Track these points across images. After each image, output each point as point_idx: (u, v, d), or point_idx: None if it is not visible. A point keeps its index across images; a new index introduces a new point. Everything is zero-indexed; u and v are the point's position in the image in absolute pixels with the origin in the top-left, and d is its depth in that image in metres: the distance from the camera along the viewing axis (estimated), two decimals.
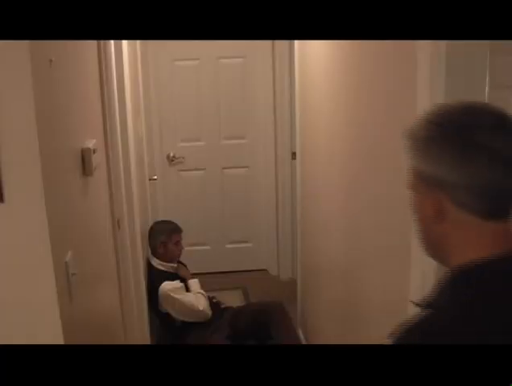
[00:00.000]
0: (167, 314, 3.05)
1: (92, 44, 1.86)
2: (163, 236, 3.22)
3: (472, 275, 0.81)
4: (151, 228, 3.35)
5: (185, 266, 3.33)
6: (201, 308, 3.04)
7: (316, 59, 2.63)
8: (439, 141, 0.81)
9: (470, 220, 0.81)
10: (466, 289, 0.81)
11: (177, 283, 3.08)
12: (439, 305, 0.82)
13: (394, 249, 1.58)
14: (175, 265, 3.24)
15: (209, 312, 3.08)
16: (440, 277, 0.85)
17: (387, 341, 0.83)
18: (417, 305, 0.84)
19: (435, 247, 0.89)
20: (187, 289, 3.13)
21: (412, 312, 0.86)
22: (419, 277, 1.34)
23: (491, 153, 0.78)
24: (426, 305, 0.83)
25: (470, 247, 0.83)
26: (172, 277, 3.13)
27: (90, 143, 1.61)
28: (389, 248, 1.64)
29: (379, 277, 1.77)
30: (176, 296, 3.01)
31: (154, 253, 3.24)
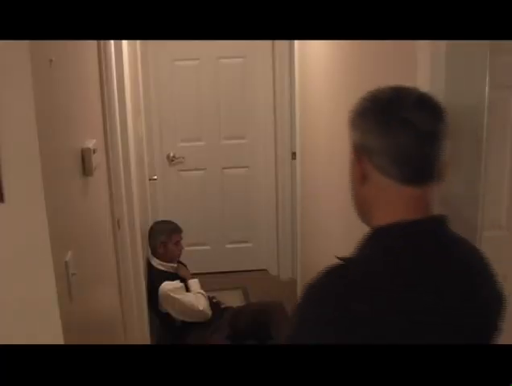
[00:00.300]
0: (167, 314, 3.05)
1: (92, 44, 1.86)
2: (163, 236, 3.22)
3: (390, 232, 0.90)
4: (151, 228, 3.35)
5: (185, 266, 3.33)
6: (201, 308, 3.04)
7: (316, 59, 2.63)
8: (367, 115, 0.93)
9: (389, 184, 0.90)
10: (383, 243, 0.89)
11: (177, 283, 3.08)
12: (357, 258, 0.91)
13: None
14: (175, 265, 3.24)
15: (209, 312, 3.08)
16: (363, 236, 0.93)
17: (305, 287, 0.90)
18: (339, 258, 0.91)
19: (361, 209, 0.99)
20: (187, 289, 3.13)
21: None
22: None
23: (408, 126, 0.87)
24: (346, 258, 0.91)
25: (390, 209, 0.91)
26: (172, 277, 3.13)
27: (90, 143, 1.61)
28: None
29: None
30: (176, 296, 3.01)
31: (154, 253, 3.23)
